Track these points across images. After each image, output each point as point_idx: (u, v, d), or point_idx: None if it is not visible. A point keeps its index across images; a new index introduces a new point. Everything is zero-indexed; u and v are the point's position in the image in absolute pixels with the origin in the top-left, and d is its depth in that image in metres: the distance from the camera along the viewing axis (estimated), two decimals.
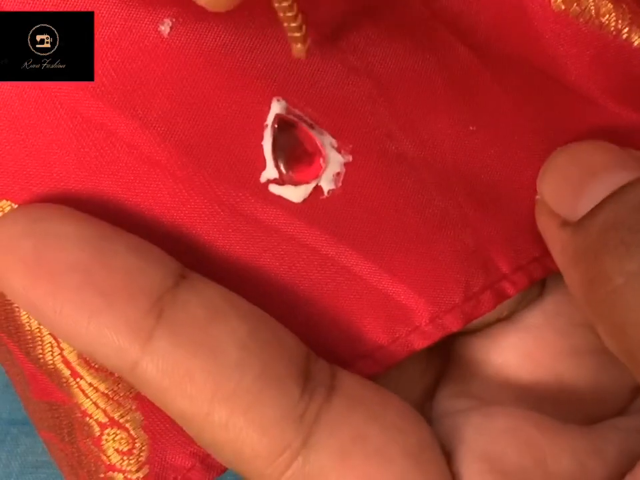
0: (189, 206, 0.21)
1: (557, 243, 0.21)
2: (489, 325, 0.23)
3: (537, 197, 0.22)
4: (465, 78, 0.22)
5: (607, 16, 0.22)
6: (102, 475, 0.21)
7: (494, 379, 0.23)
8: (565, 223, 0.20)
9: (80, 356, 0.21)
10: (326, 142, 0.21)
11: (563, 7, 0.22)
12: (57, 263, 0.19)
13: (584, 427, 0.21)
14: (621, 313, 0.18)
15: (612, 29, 0.22)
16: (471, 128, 0.22)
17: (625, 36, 0.22)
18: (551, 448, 0.20)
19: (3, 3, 0.20)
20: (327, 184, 0.21)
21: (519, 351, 0.23)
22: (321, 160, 0.21)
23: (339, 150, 0.21)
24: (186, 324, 0.19)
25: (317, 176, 0.21)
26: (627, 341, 0.18)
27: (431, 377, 0.24)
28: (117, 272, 0.19)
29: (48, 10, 0.20)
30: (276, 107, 0.21)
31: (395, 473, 0.19)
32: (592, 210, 0.20)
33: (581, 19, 0.22)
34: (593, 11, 0.22)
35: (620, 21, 0.22)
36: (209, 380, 0.19)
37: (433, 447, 0.20)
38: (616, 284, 0.18)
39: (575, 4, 0.22)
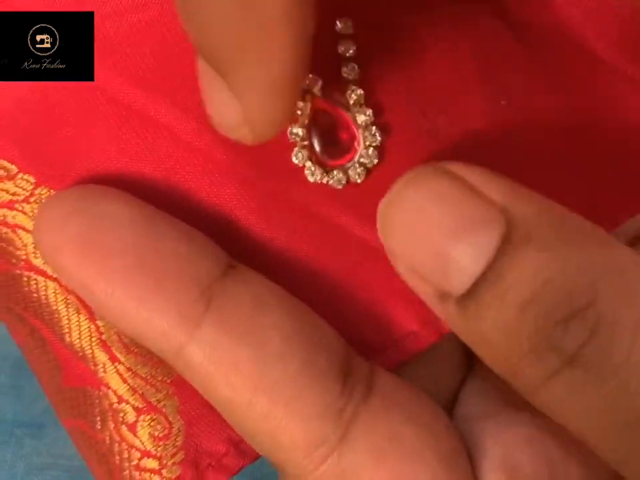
0: (227, 191, 0.21)
1: (441, 313, 0.19)
2: None
3: (386, 250, 0.19)
4: (495, 51, 0.22)
5: None
6: (135, 462, 0.21)
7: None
8: (444, 296, 0.18)
9: (119, 340, 0.21)
10: (361, 121, 0.21)
11: None
12: (109, 244, 0.19)
13: None
14: (547, 406, 0.18)
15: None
16: (503, 102, 0.22)
17: None
18: (563, 459, 0.20)
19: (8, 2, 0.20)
20: (357, 168, 0.21)
21: None
22: (356, 143, 0.21)
23: (374, 129, 0.21)
24: (233, 313, 0.19)
25: (352, 159, 0.21)
26: (560, 422, 0.18)
27: (462, 375, 0.24)
28: (169, 257, 0.19)
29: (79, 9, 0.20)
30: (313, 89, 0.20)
31: (428, 476, 0.19)
32: (471, 293, 0.18)
33: None
34: None
35: None
36: (253, 369, 0.19)
37: (463, 452, 0.21)
38: (536, 385, 0.18)
39: None
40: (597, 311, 0.17)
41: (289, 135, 0.20)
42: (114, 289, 0.19)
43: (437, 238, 0.18)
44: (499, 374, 0.19)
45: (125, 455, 0.21)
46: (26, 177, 0.21)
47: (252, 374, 0.19)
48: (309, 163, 0.20)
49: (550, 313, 0.17)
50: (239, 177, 0.21)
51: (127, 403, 0.21)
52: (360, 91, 0.20)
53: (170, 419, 0.21)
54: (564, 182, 0.22)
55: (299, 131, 0.20)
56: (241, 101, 0.17)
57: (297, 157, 0.20)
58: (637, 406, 0.17)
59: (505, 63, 0.22)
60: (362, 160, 0.21)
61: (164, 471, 0.21)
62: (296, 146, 0.21)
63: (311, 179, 0.21)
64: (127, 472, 0.21)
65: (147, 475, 0.21)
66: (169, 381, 0.21)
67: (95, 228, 0.19)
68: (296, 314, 0.20)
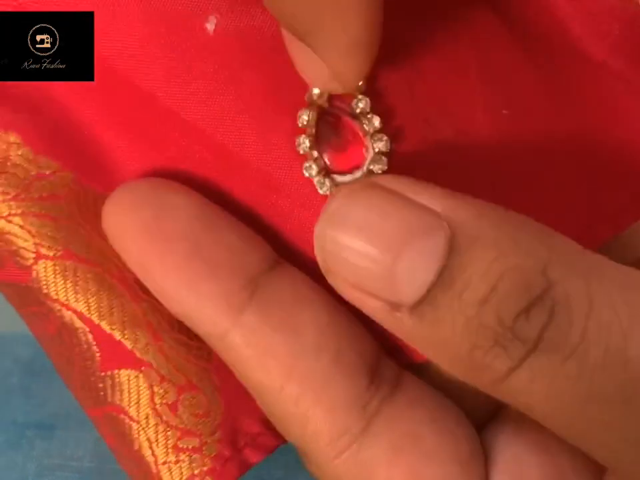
0: (250, 195, 0.22)
1: (392, 326, 0.19)
2: None
3: (321, 267, 0.19)
4: (497, 58, 0.22)
5: None
6: (172, 443, 0.21)
7: None
8: (395, 307, 0.18)
9: (164, 320, 0.22)
10: (370, 128, 0.21)
11: None
12: (171, 231, 0.21)
13: None
14: (512, 397, 0.18)
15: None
16: (504, 112, 0.22)
17: None
18: (573, 468, 0.21)
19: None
20: (370, 172, 0.21)
21: None
22: (364, 149, 0.21)
23: (381, 136, 0.21)
24: (274, 304, 0.20)
25: (360, 166, 0.21)
26: (526, 411, 0.18)
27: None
28: (222, 247, 0.21)
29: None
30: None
31: (443, 475, 0.20)
32: (426, 299, 0.17)
33: None
34: None
35: None
36: (287, 357, 0.20)
37: (480, 456, 0.21)
38: (500, 377, 0.18)
39: None
40: (552, 295, 0.17)
41: (296, 145, 0.21)
42: (169, 271, 0.20)
43: (381, 252, 0.17)
44: (457, 375, 0.19)
45: (162, 438, 0.21)
46: (65, 174, 0.22)
47: (286, 361, 0.20)
48: (318, 176, 0.21)
49: (509, 305, 0.17)
50: (257, 184, 0.21)
51: (169, 381, 0.21)
52: (366, 100, 0.20)
53: (209, 397, 0.21)
54: (566, 186, 0.22)
55: (306, 140, 0.20)
56: (324, 61, 0.19)
57: (308, 171, 0.21)
58: (597, 380, 0.17)
59: (506, 71, 0.22)
60: (372, 167, 0.20)
61: (204, 448, 0.21)
62: (305, 159, 0.21)
63: (321, 191, 0.21)
64: (164, 456, 0.21)
65: (185, 455, 0.21)
66: (208, 362, 0.22)
67: (159, 216, 0.21)
68: (333, 311, 0.21)
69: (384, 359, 0.21)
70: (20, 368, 0.31)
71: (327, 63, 0.19)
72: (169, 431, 0.21)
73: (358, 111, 0.20)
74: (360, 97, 0.20)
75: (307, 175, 0.21)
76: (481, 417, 0.22)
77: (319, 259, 0.19)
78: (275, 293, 0.21)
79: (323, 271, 0.19)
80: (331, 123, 0.21)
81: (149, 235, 0.21)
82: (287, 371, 0.20)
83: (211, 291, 0.20)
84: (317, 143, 0.21)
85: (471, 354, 0.17)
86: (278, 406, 0.20)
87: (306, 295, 0.21)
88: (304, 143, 0.20)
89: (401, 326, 0.18)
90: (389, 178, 0.19)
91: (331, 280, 0.19)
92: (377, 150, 0.20)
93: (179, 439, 0.21)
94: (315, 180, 0.21)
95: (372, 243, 0.18)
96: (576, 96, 0.22)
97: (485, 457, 0.21)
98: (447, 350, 0.18)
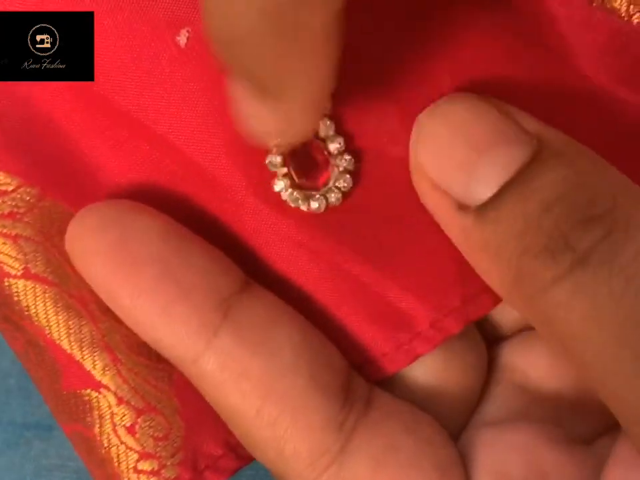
0: (218, 212, 0.22)
1: (454, 227, 0.20)
2: (521, 331, 0.23)
3: (412, 164, 0.20)
4: (475, 71, 0.22)
5: (619, 1, 0.21)
6: (133, 465, 0.21)
7: (516, 384, 0.23)
8: (462, 207, 0.19)
9: (123, 342, 0.21)
10: (333, 149, 0.21)
11: None
12: (140, 253, 0.20)
13: (591, 446, 0.21)
14: (550, 310, 0.18)
15: (623, 14, 0.21)
16: None
17: (636, 21, 0.21)
18: (557, 470, 0.21)
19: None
20: (334, 192, 0.21)
21: (544, 358, 0.23)
22: (330, 167, 0.21)
23: (345, 156, 0.21)
24: (248, 325, 0.20)
25: (326, 182, 0.21)
26: (557, 334, 0.18)
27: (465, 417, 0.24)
28: (192, 270, 0.20)
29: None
30: None
31: None
32: (493, 200, 0.18)
33: (594, 4, 0.21)
34: None
35: (632, 7, 0.21)
36: (264, 378, 0.20)
37: (458, 461, 0.21)
38: (543, 286, 0.18)
39: None
40: (614, 216, 0.18)
41: (267, 164, 0.21)
42: (140, 294, 0.20)
43: (467, 149, 0.18)
44: (500, 284, 0.19)
45: (123, 459, 0.21)
46: (29, 189, 0.22)
47: (263, 383, 0.20)
48: (289, 190, 0.21)
49: (571, 214, 0.18)
50: (223, 198, 0.21)
51: (127, 404, 0.21)
52: (329, 122, 0.21)
53: (169, 420, 0.21)
54: None
55: (277, 159, 0.21)
56: (280, 116, 0.18)
57: (278, 186, 0.21)
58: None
59: (483, 83, 0.22)
60: (337, 184, 0.21)
61: (163, 471, 0.21)
62: (275, 176, 0.21)
63: (293, 205, 0.21)
64: (126, 476, 0.21)
65: (145, 477, 0.21)
66: (169, 382, 0.22)
67: (127, 239, 0.20)
68: (305, 330, 0.21)
69: (355, 377, 0.21)
70: (18, 369, 0.31)
71: (280, 118, 0.18)
72: (128, 452, 0.21)
73: (322, 134, 0.21)
74: (324, 119, 0.21)
75: (277, 189, 0.21)
76: (454, 427, 0.22)
77: (411, 152, 0.20)
78: (247, 314, 0.20)
79: (411, 167, 0.20)
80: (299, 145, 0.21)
81: (116, 258, 0.20)
82: (263, 393, 0.20)
83: (183, 314, 0.20)
84: (286, 161, 0.21)
85: (520, 259, 0.18)
86: (253, 430, 0.20)
87: (278, 315, 0.21)
88: (275, 160, 0.21)
89: (462, 229, 0.19)
90: (495, 100, 0.19)
91: (415, 179, 0.20)
92: (341, 169, 0.21)
93: (137, 461, 0.21)
94: (286, 194, 0.21)
95: (464, 137, 0.19)
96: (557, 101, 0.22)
97: (462, 460, 0.21)
98: (499, 255, 0.18)
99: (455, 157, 0.19)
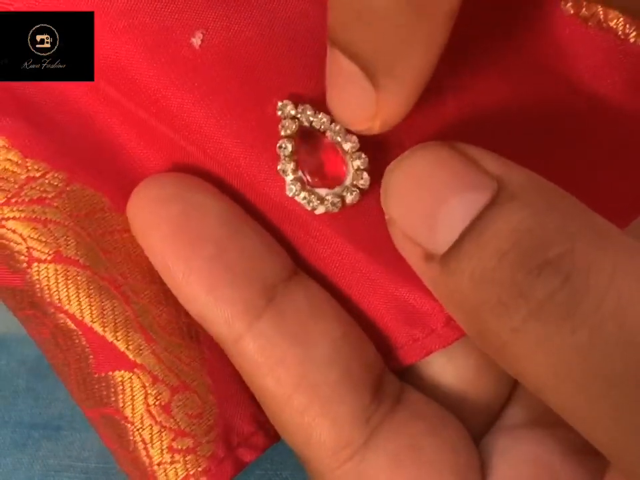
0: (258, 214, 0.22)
1: (425, 276, 0.19)
2: None
3: (386, 216, 0.20)
4: (477, 86, 0.22)
5: (615, 20, 0.22)
6: (167, 444, 0.21)
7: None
8: (429, 257, 0.18)
9: (156, 323, 0.22)
10: (348, 147, 0.21)
11: (571, 11, 0.22)
12: (197, 232, 0.21)
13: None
14: (515, 364, 0.17)
15: (620, 33, 0.22)
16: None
17: (632, 40, 0.22)
18: (569, 476, 0.21)
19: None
20: (351, 190, 0.21)
21: None
22: (344, 167, 0.21)
23: (359, 154, 0.21)
24: (290, 313, 0.21)
25: (340, 182, 0.21)
26: (530, 385, 0.18)
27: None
28: (244, 253, 0.21)
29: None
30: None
31: None
32: (453, 249, 0.18)
33: (590, 23, 0.22)
34: (602, 16, 0.22)
35: (627, 26, 0.22)
36: (299, 368, 0.20)
37: (477, 467, 0.21)
38: (503, 340, 0.17)
39: (584, 9, 0.22)
40: (572, 261, 0.16)
41: (277, 149, 0.21)
42: (191, 272, 0.21)
43: (429, 199, 0.18)
44: (470, 335, 0.19)
45: (157, 439, 0.21)
46: (56, 174, 0.22)
47: (296, 371, 0.20)
48: (303, 193, 0.21)
49: (525, 261, 0.17)
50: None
51: (163, 382, 0.21)
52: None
53: (203, 398, 0.22)
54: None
55: (288, 145, 0.21)
56: (384, 99, 0.19)
57: (290, 190, 0.21)
58: (609, 356, 0.16)
59: (485, 100, 0.22)
60: (355, 182, 0.21)
61: (198, 449, 0.21)
62: (286, 181, 0.21)
63: (308, 208, 0.21)
64: (159, 457, 0.21)
65: (180, 456, 0.21)
66: (201, 361, 0.22)
67: (187, 215, 0.21)
68: (346, 325, 0.21)
69: (388, 374, 0.22)
70: (26, 369, 0.31)
71: (381, 102, 0.19)
72: (163, 432, 0.21)
73: (337, 128, 0.21)
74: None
75: (289, 195, 0.21)
76: (479, 426, 0.23)
77: (382, 204, 0.20)
78: (291, 303, 0.21)
79: (386, 217, 0.20)
80: (310, 143, 0.21)
81: (174, 235, 0.21)
82: (296, 381, 0.20)
83: (230, 296, 0.20)
84: (298, 162, 0.21)
85: (479, 313, 0.17)
86: (284, 414, 0.21)
87: (321, 307, 0.21)
88: (286, 147, 0.21)
89: (431, 279, 0.19)
90: (461, 143, 0.19)
91: (390, 229, 0.20)
92: (355, 167, 0.21)
93: (173, 439, 0.21)
94: (300, 197, 0.21)
95: (424, 191, 0.18)
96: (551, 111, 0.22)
97: (481, 467, 0.21)
98: (462, 308, 0.18)
99: (419, 209, 0.18)
